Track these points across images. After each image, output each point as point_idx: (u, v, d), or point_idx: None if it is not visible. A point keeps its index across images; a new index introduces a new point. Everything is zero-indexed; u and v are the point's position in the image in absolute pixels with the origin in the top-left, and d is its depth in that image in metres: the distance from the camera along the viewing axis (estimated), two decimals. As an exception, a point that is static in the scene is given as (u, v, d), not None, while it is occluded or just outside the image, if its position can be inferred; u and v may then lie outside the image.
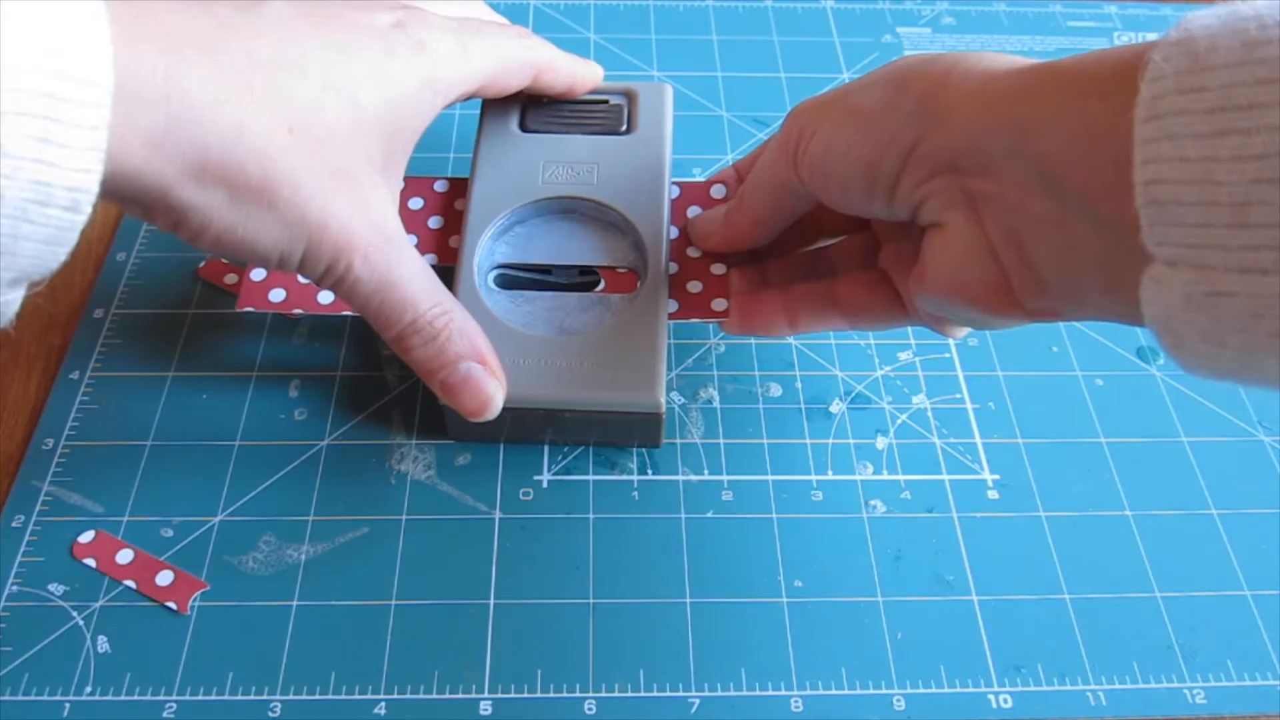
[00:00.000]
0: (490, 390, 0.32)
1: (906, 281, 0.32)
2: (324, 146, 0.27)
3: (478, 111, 0.39)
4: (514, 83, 0.35)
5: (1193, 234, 0.20)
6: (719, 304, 0.36)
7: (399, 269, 0.30)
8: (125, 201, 0.25)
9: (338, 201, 0.28)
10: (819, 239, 0.37)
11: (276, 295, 0.36)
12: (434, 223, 0.38)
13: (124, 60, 0.22)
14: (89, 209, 0.22)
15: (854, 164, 0.29)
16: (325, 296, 0.36)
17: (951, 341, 0.41)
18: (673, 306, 0.36)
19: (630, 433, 0.36)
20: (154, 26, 0.24)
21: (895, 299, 0.33)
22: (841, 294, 0.34)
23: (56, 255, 0.23)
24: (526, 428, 0.36)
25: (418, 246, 0.36)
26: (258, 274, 0.36)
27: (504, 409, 0.33)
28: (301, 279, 0.36)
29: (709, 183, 0.38)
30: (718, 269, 0.36)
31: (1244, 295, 0.19)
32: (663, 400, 0.34)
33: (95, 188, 0.22)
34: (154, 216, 0.26)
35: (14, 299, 0.23)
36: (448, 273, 0.35)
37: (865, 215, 0.32)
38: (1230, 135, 0.19)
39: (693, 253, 0.37)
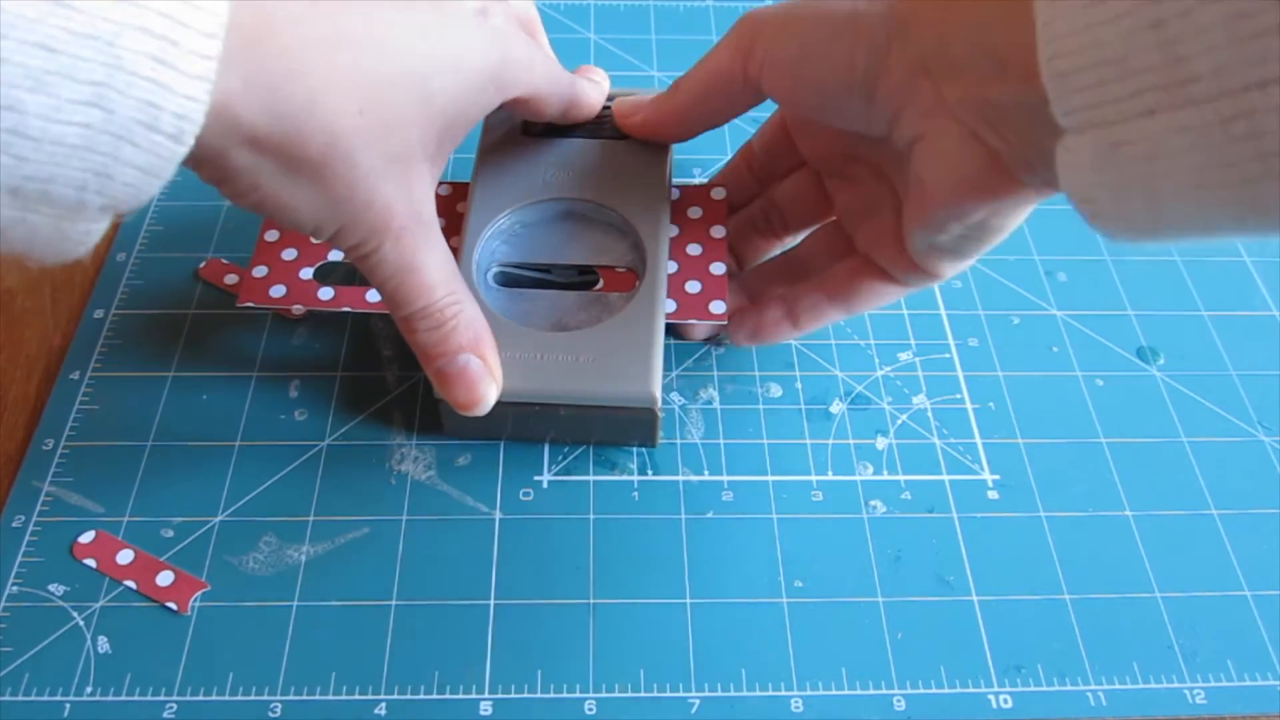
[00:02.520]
0: (484, 387, 0.32)
1: (889, 252, 0.34)
2: (389, 130, 0.27)
3: None
4: (550, 107, 0.35)
5: (1090, 95, 0.22)
6: (717, 306, 0.35)
7: (424, 254, 0.30)
8: None
9: (387, 184, 0.28)
10: (785, 235, 0.39)
11: (277, 291, 0.36)
12: None
13: (233, 9, 0.22)
14: (192, 139, 0.22)
15: (831, 65, 0.30)
16: (325, 293, 0.36)
17: (951, 342, 0.41)
18: (671, 306, 0.35)
19: (626, 431, 0.36)
20: None
21: (882, 275, 0.35)
22: (831, 287, 0.36)
23: (151, 186, 0.22)
24: (521, 424, 0.36)
25: None
26: (259, 270, 0.36)
27: (498, 403, 0.33)
28: (303, 275, 0.36)
29: (708, 186, 0.38)
30: (716, 268, 0.36)
31: (1138, 140, 0.21)
32: (658, 396, 0.34)
33: (201, 118, 0.22)
34: (200, 169, 0.26)
35: (99, 228, 0.23)
36: None
37: (837, 122, 0.32)
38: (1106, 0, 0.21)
39: (692, 250, 0.37)
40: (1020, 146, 0.27)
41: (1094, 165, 0.23)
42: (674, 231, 0.37)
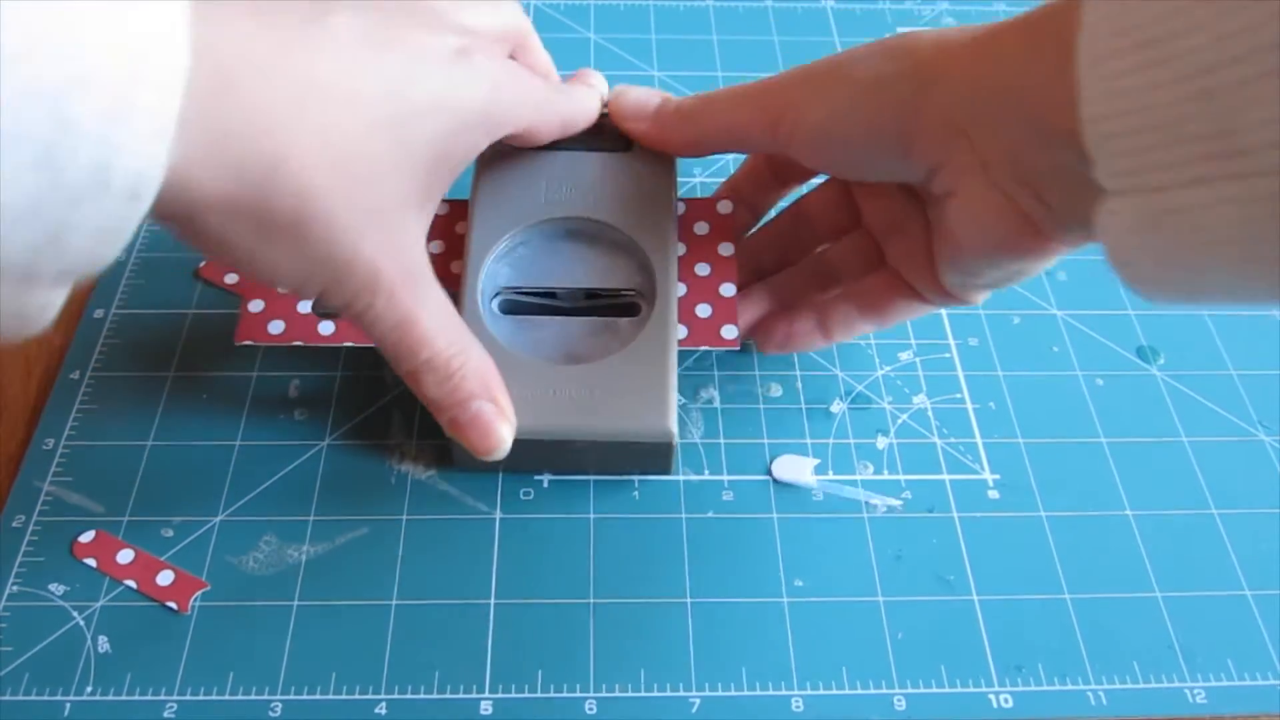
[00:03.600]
0: (498, 430, 0.32)
1: (920, 273, 0.34)
2: (365, 185, 0.26)
3: None
4: (544, 134, 0.35)
5: (1136, 159, 0.22)
6: (729, 331, 0.35)
7: (420, 307, 0.29)
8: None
9: (368, 240, 0.27)
10: (814, 244, 0.38)
11: (275, 327, 0.35)
12: (435, 247, 0.37)
13: (193, 63, 0.21)
14: (150, 199, 0.21)
15: (863, 128, 0.30)
16: (326, 328, 0.35)
17: (952, 341, 0.41)
18: (682, 333, 0.35)
19: (642, 461, 0.36)
20: (218, 32, 0.22)
21: (913, 294, 0.35)
22: (863, 301, 0.36)
23: (111, 247, 0.21)
24: (533, 457, 0.35)
25: None
26: (255, 305, 0.35)
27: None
28: (302, 308, 0.35)
29: (714, 199, 0.38)
30: (726, 290, 0.36)
31: (1185, 209, 0.21)
32: (675, 430, 0.33)
33: (159, 176, 0.21)
34: (168, 227, 0.25)
35: (58, 298, 0.22)
36: (451, 298, 0.34)
37: (872, 178, 0.33)
38: (1157, 65, 0.21)
39: (701, 270, 0.36)
40: (1058, 207, 0.27)
41: (1136, 230, 0.22)
42: (681, 250, 0.37)
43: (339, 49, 0.26)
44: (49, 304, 0.22)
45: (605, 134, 0.37)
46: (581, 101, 0.36)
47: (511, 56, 0.34)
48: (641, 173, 0.37)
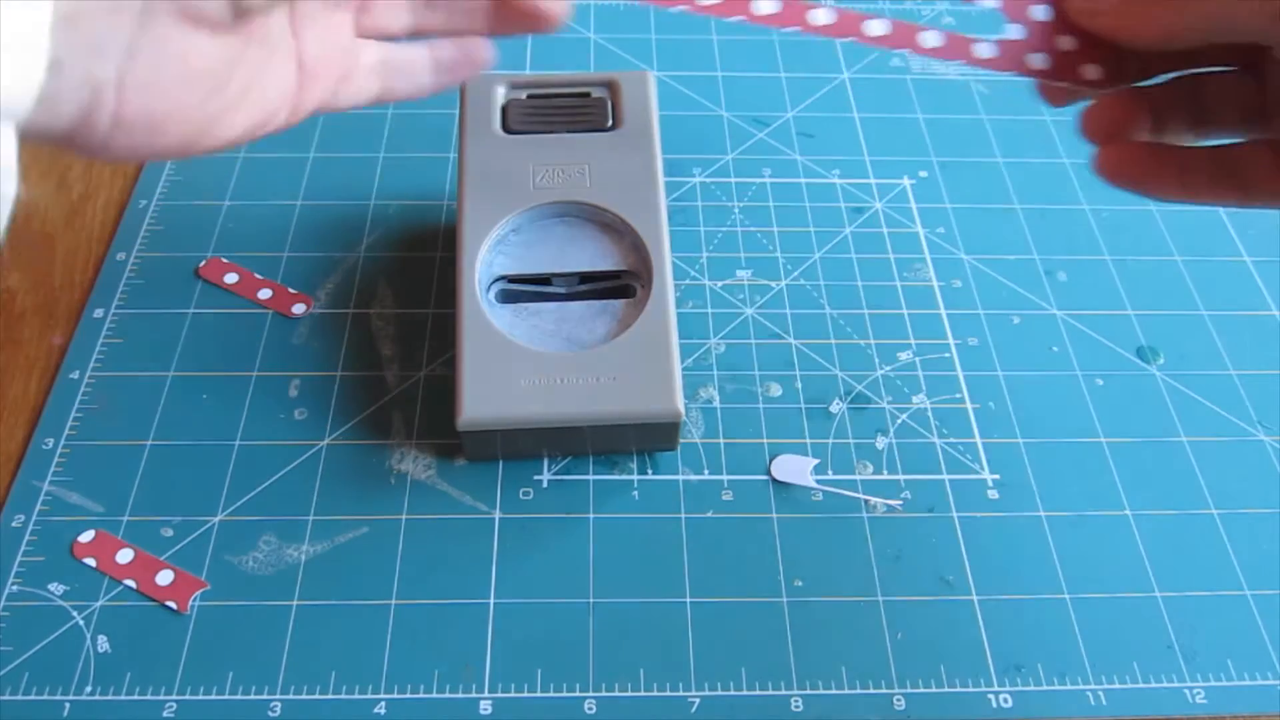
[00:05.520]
0: None
1: None
2: None
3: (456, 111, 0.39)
4: None
5: None
6: (1091, 70, 0.28)
7: None
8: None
9: None
10: (1200, 129, 0.29)
11: None
12: None
13: None
14: None
15: None
16: None
17: (951, 341, 0.41)
18: (1041, 62, 0.29)
19: (648, 438, 0.36)
20: None
21: None
22: (1246, 171, 0.28)
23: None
24: (542, 444, 0.36)
25: None
26: None
27: (520, 429, 0.33)
28: None
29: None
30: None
31: None
32: (682, 408, 0.34)
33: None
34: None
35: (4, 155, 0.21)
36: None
37: None
38: None
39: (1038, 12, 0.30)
40: None
41: None
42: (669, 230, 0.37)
43: None
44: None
45: (592, 120, 0.38)
46: None
47: None
48: (625, 150, 0.38)
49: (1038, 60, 0.29)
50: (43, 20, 0.21)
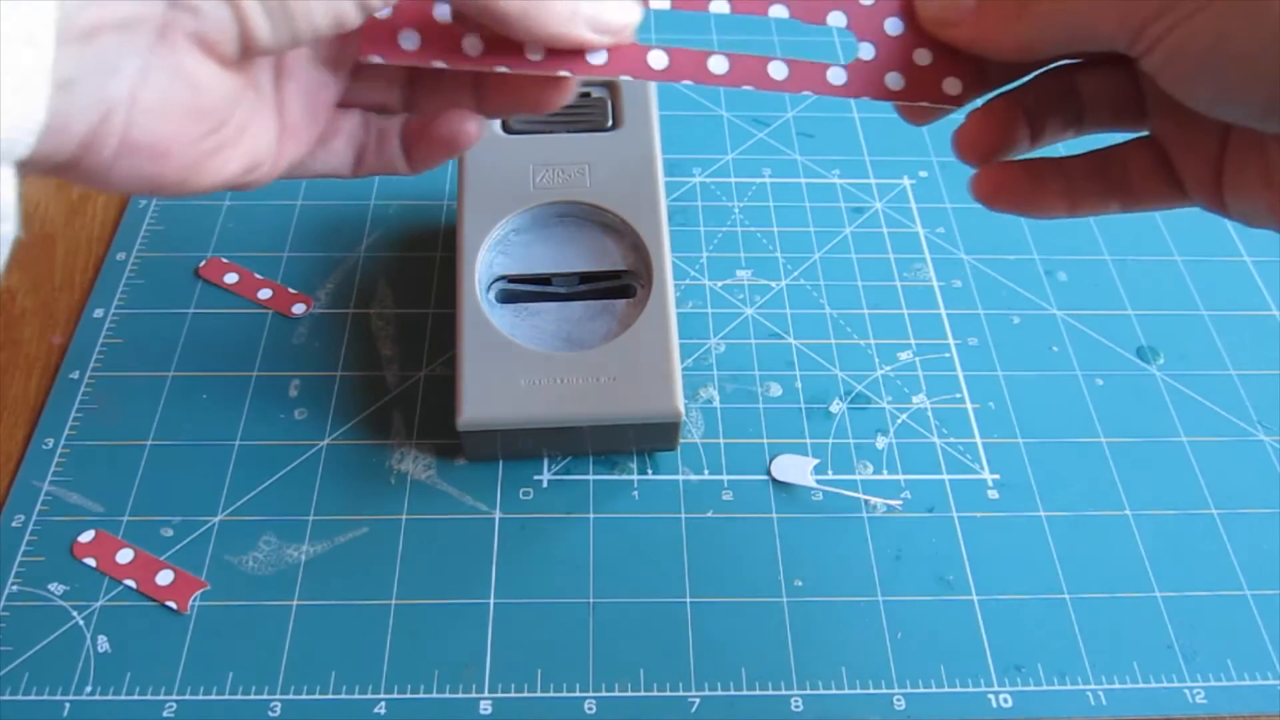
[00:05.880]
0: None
1: (1204, 185, 0.26)
2: None
3: None
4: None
5: None
6: (951, 85, 0.27)
7: None
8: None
9: None
10: (1072, 128, 0.29)
11: (409, 41, 0.27)
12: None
13: None
14: None
15: (1262, 70, 0.22)
16: (471, 45, 0.27)
17: (951, 341, 0.41)
18: (898, 83, 0.28)
19: (648, 438, 0.36)
20: None
21: (1179, 189, 0.27)
22: (1128, 174, 0.28)
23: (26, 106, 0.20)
24: (542, 444, 0.36)
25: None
26: (383, 10, 0.27)
27: (520, 429, 0.34)
28: (440, 14, 0.27)
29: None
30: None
31: None
32: (682, 409, 0.34)
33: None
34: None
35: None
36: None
37: (1242, 124, 0.25)
38: None
39: (892, 28, 0.28)
40: None
41: None
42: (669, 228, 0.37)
43: None
44: None
45: (592, 120, 0.38)
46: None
47: None
48: (625, 150, 0.38)
49: (894, 81, 0.28)
50: (44, 64, 0.21)
